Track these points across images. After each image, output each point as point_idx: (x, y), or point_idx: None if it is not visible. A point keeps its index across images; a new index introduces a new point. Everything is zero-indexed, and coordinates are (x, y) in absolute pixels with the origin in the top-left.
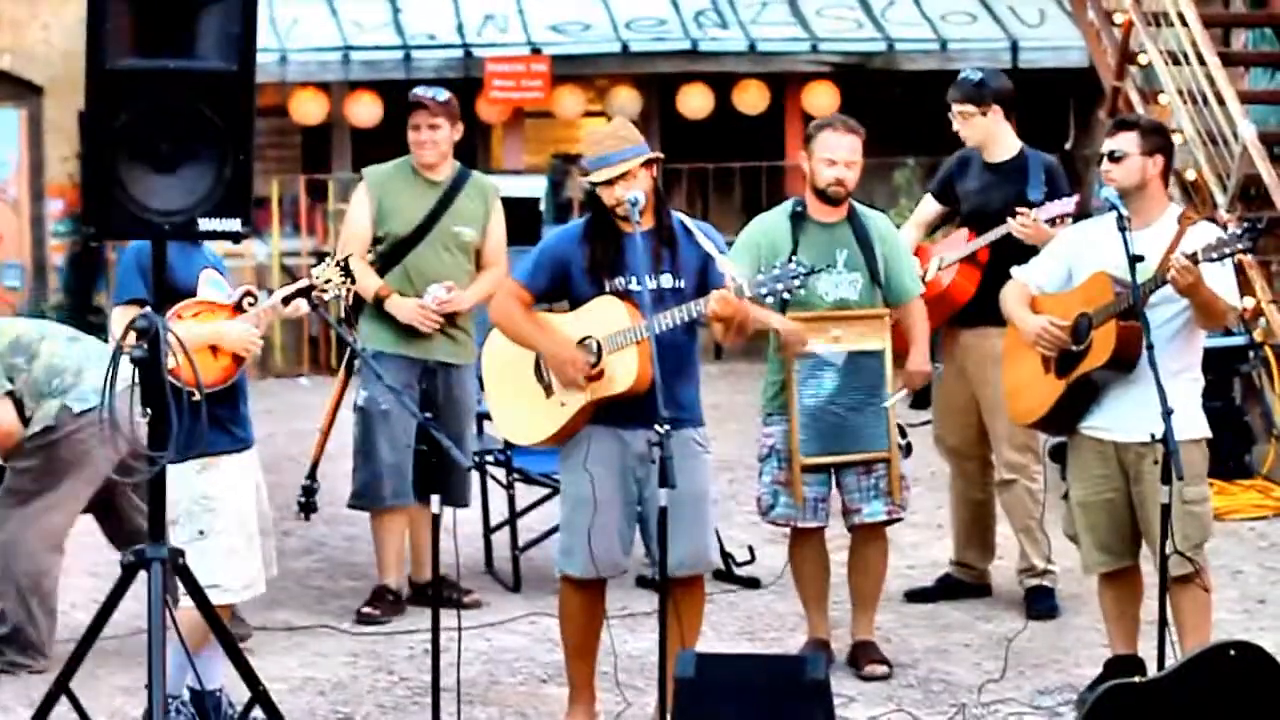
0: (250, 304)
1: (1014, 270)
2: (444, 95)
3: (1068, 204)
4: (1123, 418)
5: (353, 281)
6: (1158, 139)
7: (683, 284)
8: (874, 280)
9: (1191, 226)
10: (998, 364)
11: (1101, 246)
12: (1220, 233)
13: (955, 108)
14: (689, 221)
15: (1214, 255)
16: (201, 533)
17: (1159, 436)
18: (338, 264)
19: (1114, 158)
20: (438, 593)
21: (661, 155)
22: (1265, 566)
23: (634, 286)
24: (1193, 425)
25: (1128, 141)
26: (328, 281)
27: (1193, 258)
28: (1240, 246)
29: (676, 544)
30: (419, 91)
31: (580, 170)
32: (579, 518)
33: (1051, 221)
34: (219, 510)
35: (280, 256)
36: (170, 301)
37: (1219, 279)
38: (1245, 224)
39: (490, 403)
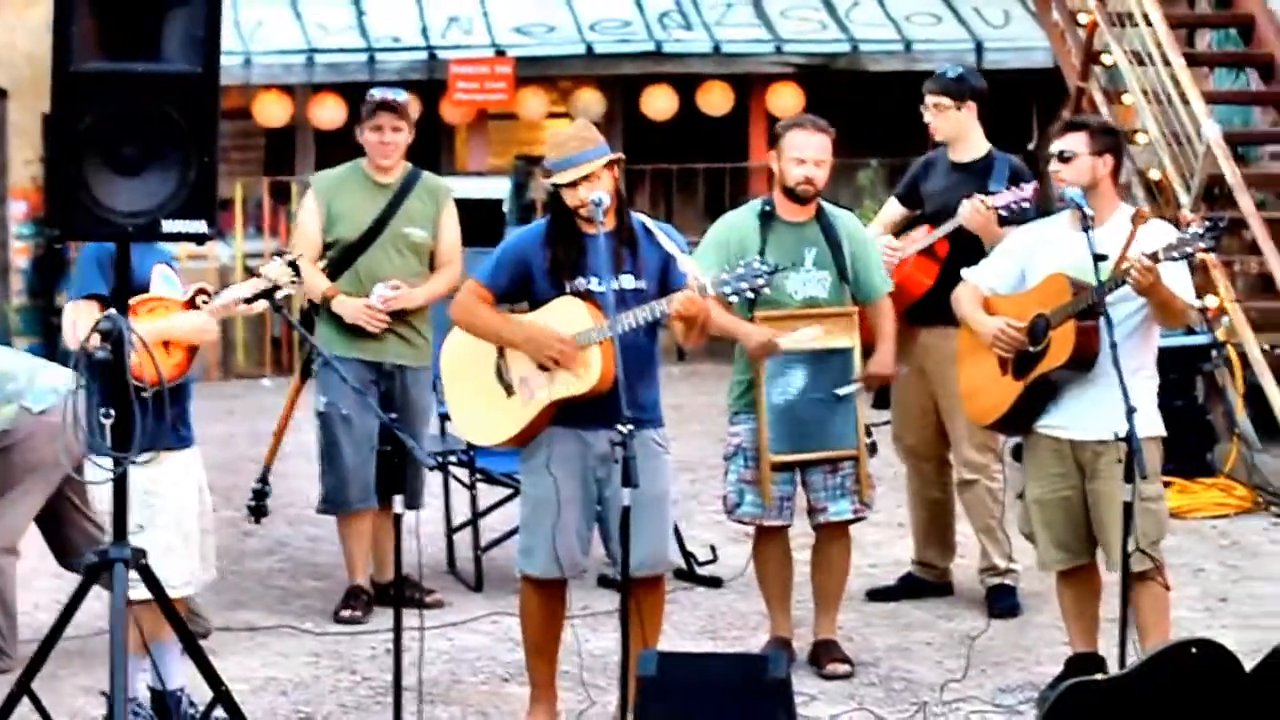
0: (203, 302)
1: (965, 272)
2: (404, 96)
3: (1024, 191)
4: (1080, 416)
5: (301, 280)
6: (1107, 139)
7: (644, 285)
8: (842, 278)
9: (1144, 225)
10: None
11: (1057, 246)
12: (1174, 231)
13: (930, 99)
14: (649, 222)
15: (1175, 254)
16: (141, 527)
17: (1122, 435)
18: (287, 262)
19: (1064, 158)
20: (400, 593)
21: (623, 156)
22: (1227, 565)
23: (595, 287)
24: (1151, 423)
25: (1077, 142)
26: (275, 282)
27: (1153, 257)
28: (1201, 245)
29: (637, 544)
30: (384, 94)
31: (543, 172)
32: (540, 518)
33: (1007, 220)
34: (159, 506)
35: (244, 258)
36: (117, 296)
37: (1176, 278)
38: (1206, 223)
39: (450, 403)
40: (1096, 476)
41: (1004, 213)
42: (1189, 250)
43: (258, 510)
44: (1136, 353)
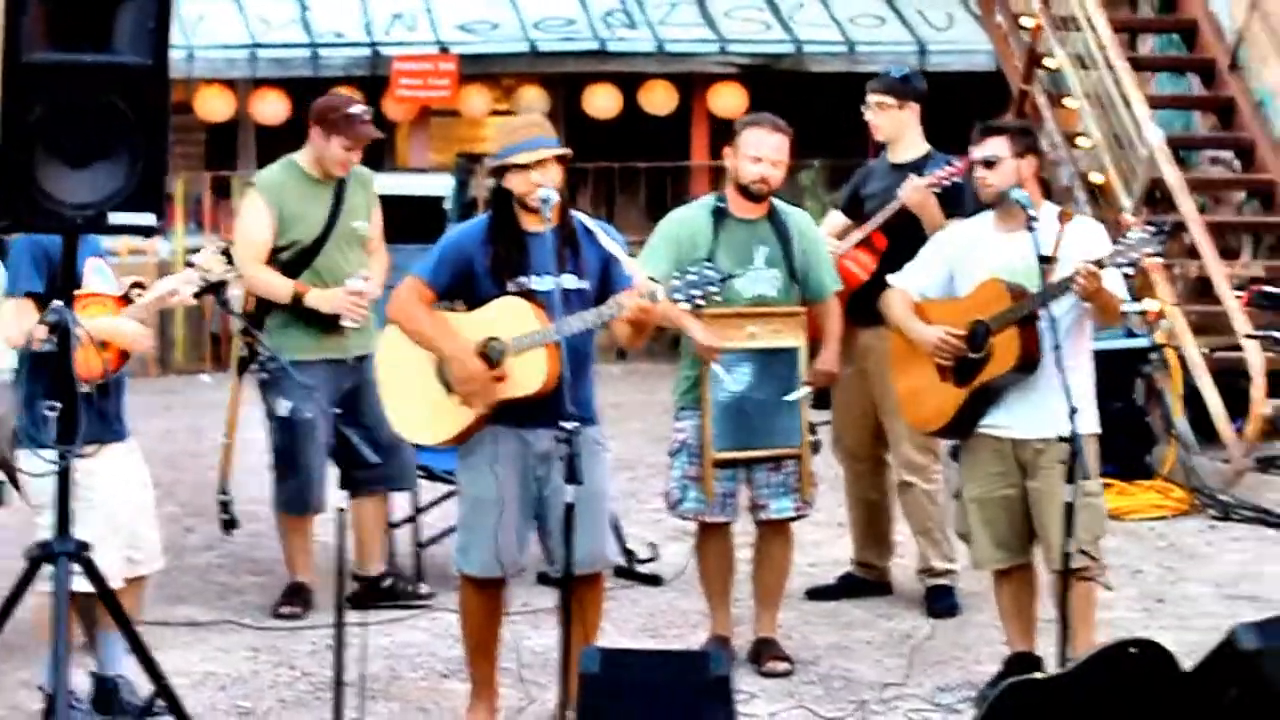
0: (138, 295)
1: (892, 278)
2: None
3: (954, 165)
4: (1023, 416)
5: (235, 271)
6: (1027, 140)
7: (586, 284)
8: (792, 277)
9: (1070, 224)
10: None
11: (985, 247)
12: (1102, 229)
13: (873, 98)
14: (589, 221)
15: (1121, 260)
16: None
17: (1065, 435)
18: (220, 251)
19: (988, 164)
20: (340, 588)
21: (570, 152)
22: (1164, 566)
23: (537, 286)
24: (1093, 420)
25: (999, 146)
26: (208, 271)
27: (1099, 263)
28: (1149, 250)
29: (578, 542)
30: (367, 121)
31: (485, 169)
32: (481, 517)
33: (944, 199)
34: (88, 499)
35: (184, 254)
36: (58, 291)
37: (1114, 279)
38: (1151, 227)
39: (387, 401)
40: (1038, 475)
41: (936, 190)
42: (1135, 257)
43: (229, 523)
44: (1073, 351)
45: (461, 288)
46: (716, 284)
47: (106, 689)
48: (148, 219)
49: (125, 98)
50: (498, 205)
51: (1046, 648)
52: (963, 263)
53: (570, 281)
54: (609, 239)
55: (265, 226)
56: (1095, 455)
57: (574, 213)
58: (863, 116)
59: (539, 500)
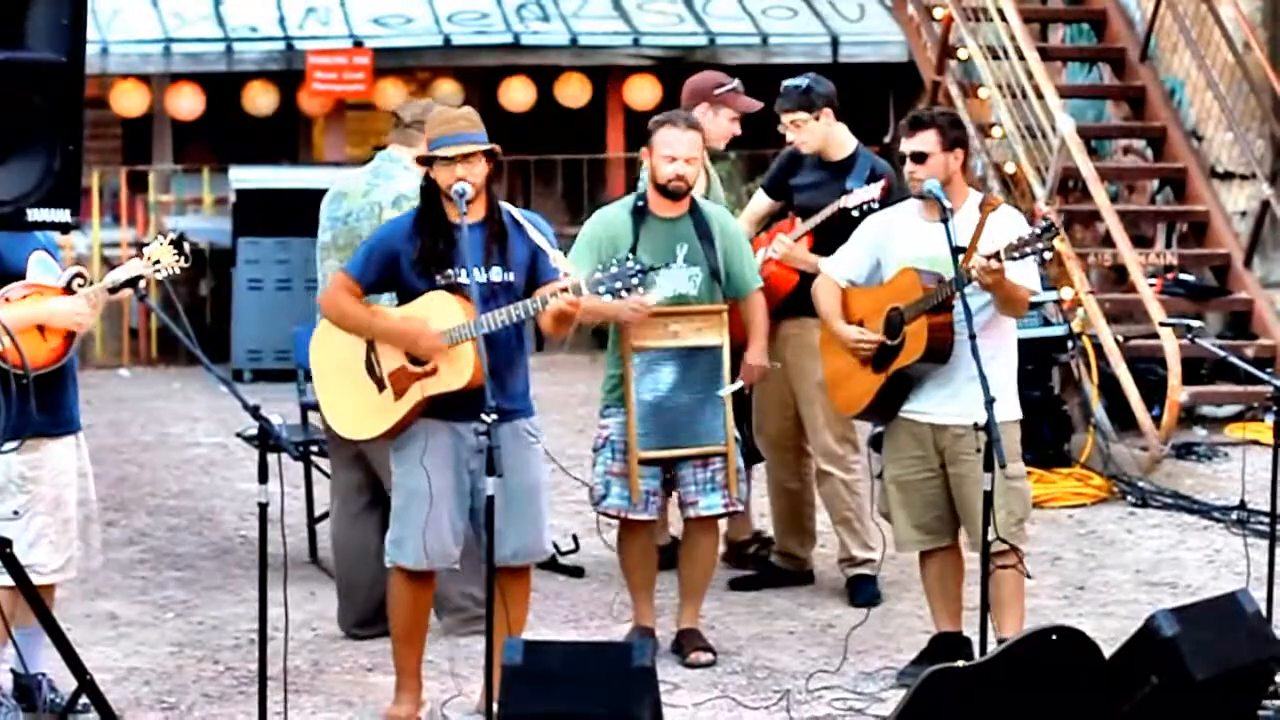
0: (80, 285)
1: (822, 263)
2: None
3: (871, 190)
4: (941, 403)
5: (186, 260)
6: (955, 132)
7: (513, 277)
8: (714, 275)
9: (993, 213)
10: (815, 355)
11: (908, 235)
12: (1022, 219)
13: (786, 118)
14: (518, 213)
15: (1015, 255)
16: (16, 513)
17: (982, 424)
18: (171, 242)
19: (917, 158)
20: (264, 581)
21: (498, 148)
22: (1084, 553)
23: (464, 279)
24: (1008, 408)
25: (928, 141)
26: (157, 262)
27: (995, 256)
28: (1040, 247)
29: (511, 534)
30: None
31: (413, 157)
32: (414, 511)
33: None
34: (36, 493)
35: (101, 248)
36: None
37: (1021, 270)
38: (1043, 223)
39: (320, 397)
40: (956, 461)
41: (855, 213)
42: (1028, 251)
43: None
44: (991, 340)
45: (388, 282)
46: (639, 276)
47: (27, 687)
48: (63, 215)
49: (40, 94)
50: (426, 198)
51: (973, 633)
52: (887, 250)
53: (497, 275)
54: (537, 232)
55: None
56: (1018, 440)
57: (503, 205)
58: (776, 111)
59: (473, 493)
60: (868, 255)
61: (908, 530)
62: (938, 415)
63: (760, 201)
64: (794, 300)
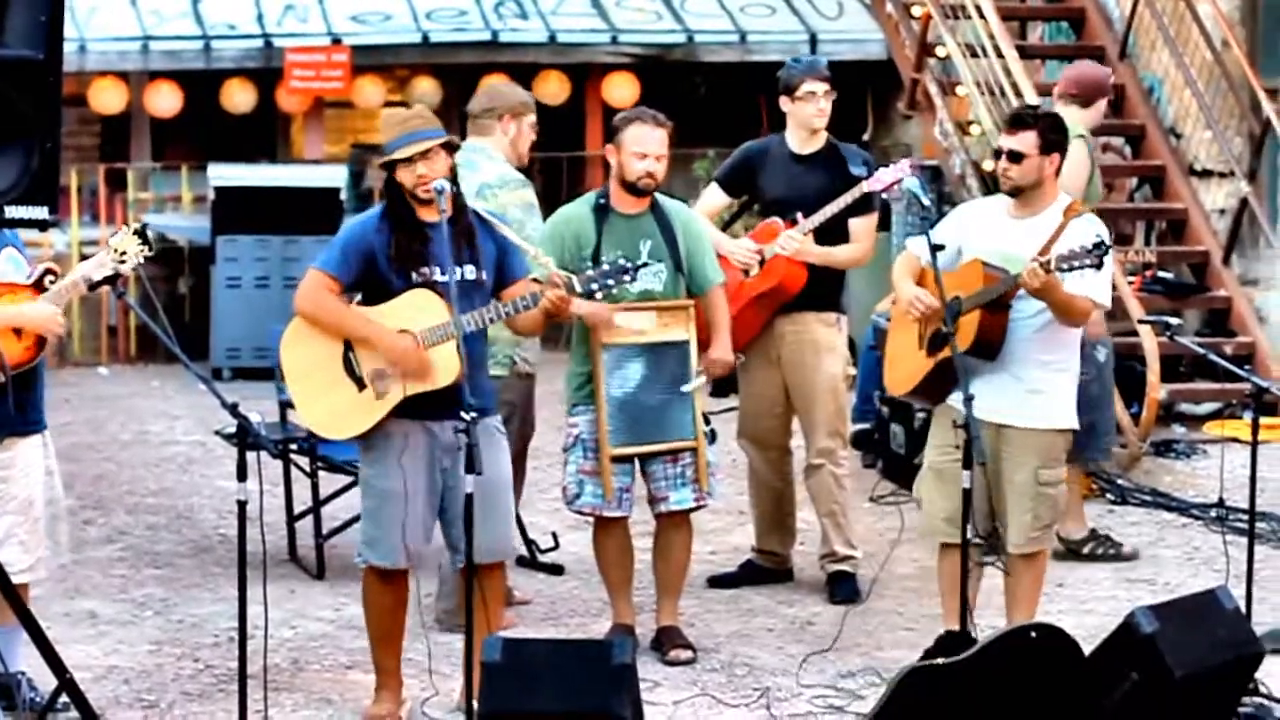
0: (51, 282)
1: (908, 241)
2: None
3: (901, 168)
4: (983, 398)
5: (151, 249)
6: (1055, 136)
7: (484, 275)
8: (678, 270)
9: (1075, 219)
10: (817, 350)
11: (989, 229)
12: (1099, 232)
13: (818, 86)
14: (484, 211)
15: (1064, 266)
16: None
17: (1019, 425)
18: (135, 232)
19: (1013, 157)
20: (243, 579)
21: (457, 140)
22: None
23: (439, 277)
24: (1062, 415)
25: (1027, 142)
26: (123, 254)
27: (1045, 265)
28: (1087, 261)
29: (482, 532)
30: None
31: (375, 162)
32: (388, 510)
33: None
34: (6, 492)
35: (79, 246)
36: None
37: (1080, 281)
38: (1097, 240)
39: (295, 396)
40: (996, 458)
41: (885, 195)
42: (1076, 265)
43: None
44: (1049, 345)
45: (365, 280)
46: (631, 273)
47: (6, 686)
48: (41, 212)
49: (18, 91)
50: (391, 200)
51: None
52: (968, 240)
53: (469, 272)
54: (506, 228)
55: None
56: (1064, 449)
57: (470, 203)
58: (755, 104)
59: (444, 491)
60: (952, 241)
61: (936, 520)
62: (981, 409)
63: (715, 197)
64: (796, 296)
